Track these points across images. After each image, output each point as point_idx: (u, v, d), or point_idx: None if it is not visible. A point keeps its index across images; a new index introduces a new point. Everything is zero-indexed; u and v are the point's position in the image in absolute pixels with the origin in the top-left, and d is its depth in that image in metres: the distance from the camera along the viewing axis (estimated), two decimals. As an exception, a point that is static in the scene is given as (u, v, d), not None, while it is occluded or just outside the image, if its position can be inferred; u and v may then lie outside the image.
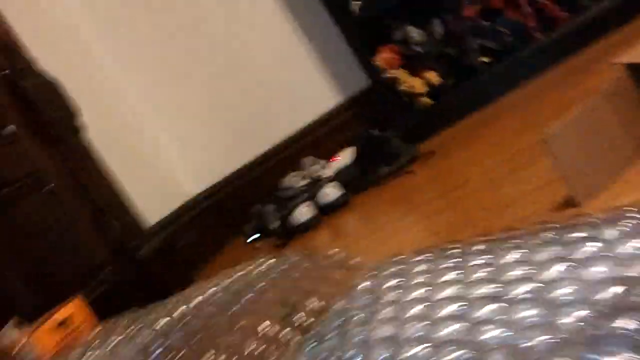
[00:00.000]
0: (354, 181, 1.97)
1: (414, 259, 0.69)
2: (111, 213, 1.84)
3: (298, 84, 2.32)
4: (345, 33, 2.10)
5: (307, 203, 1.91)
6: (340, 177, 2.00)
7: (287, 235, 1.89)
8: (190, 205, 2.29)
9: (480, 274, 0.65)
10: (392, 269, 0.69)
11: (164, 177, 2.32)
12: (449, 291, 0.64)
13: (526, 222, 1.09)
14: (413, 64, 2.11)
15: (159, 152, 2.34)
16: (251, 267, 0.84)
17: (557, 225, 0.66)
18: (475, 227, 1.20)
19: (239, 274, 0.83)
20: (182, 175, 2.35)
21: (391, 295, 0.65)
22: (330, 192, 1.92)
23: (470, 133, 1.90)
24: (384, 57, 2.11)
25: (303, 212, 1.88)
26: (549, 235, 0.67)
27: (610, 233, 0.64)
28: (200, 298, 0.78)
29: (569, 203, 1.02)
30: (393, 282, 0.68)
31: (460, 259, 0.67)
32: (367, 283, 0.68)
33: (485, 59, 2.03)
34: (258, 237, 2.04)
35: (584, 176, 1.02)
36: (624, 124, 1.06)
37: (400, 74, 2.10)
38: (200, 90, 2.35)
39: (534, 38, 1.98)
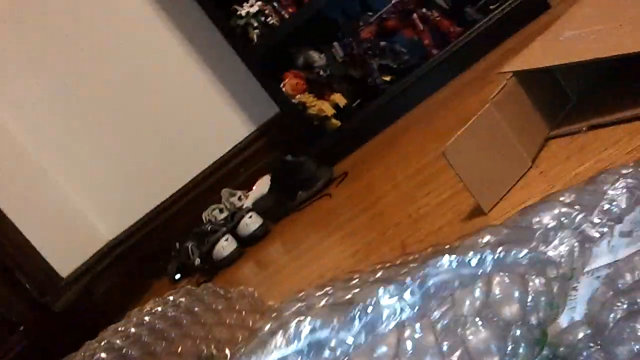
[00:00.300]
0: (272, 209, 1.97)
1: (316, 294, 0.69)
2: (22, 269, 1.77)
3: (207, 118, 2.31)
4: (248, 62, 2.11)
5: (228, 236, 1.89)
6: (258, 206, 1.99)
7: (211, 271, 1.87)
8: (107, 251, 2.22)
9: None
10: (295, 308, 0.68)
11: (76, 225, 2.24)
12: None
13: (437, 235, 1.12)
14: (318, 87, 2.14)
15: (68, 201, 2.26)
16: (161, 308, 0.81)
17: (448, 247, 0.68)
18: (389, 244, 1.23)
19: (148, 317, 0.80)
20: (95, 221, 2.28)
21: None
22: (250, 223, 1.91)
23: (380, 150, 1.95)
24: (289, 83, 2.13)
25: (224, 246, 1.86)
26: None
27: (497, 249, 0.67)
28: (104, 355, 0.75)
29: (477, 211, 1.06)
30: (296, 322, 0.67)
31: (361, 289, 0.68)
32: (271, 325, 0.67)
33: (386, 78, 2.08)
34: (182, 276, 2.00)
35: (486, 184, 1.06)
36: (518, 129, 1.11)
37: (307, 99, 2.13)
38: (106, 133, 2.29)
39: (431, 54, 2.05)
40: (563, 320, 0.51)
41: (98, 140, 2.29)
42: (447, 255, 0.70)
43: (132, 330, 0.77)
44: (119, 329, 0.79)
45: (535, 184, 1.03)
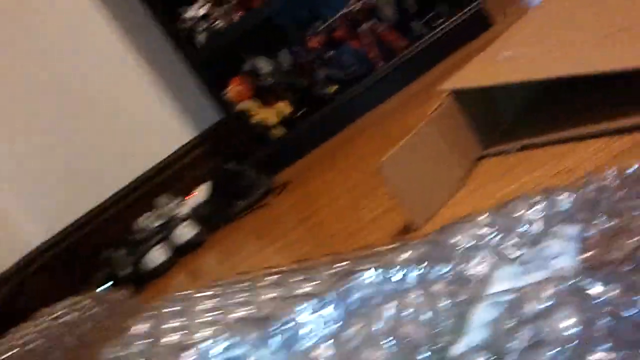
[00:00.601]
0: (211, 218, 1.93)
1: (199, 295, 0.66)
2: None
3: (147, 122, 2.24)
4: (193, 66, 2.07)
5: (161, 245, 1.84)
6: (196, 214, 1.95)
7: (140, 281, 1.81)
8: (34, 256, 2.12)
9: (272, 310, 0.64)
10: (175, 308, 0.65)
11: (1, 227, 2.14)
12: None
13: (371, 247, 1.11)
14: (264, 94, 2.12)
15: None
16: (74, 318, 0.77)
17: (345, 257, 0.67)
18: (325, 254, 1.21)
19: (57, 330, 0.75)
20: (23, 224, 2.18)
21: (172, 338, 0.62)
22: (186, 231, 1.87)
23: (323, 161, 1.93)
24: (234, 89, 2.10)
25: (156, 255, 1.81)
26: (341, 267, 0.68)
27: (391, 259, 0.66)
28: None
29: (410, 228, 1.05)
30: (175, 323, 0.64)
31: (251, 293, 0.66)
32: (144, 325, 0.63)
33: (332, 88, 2.07)
34: (112, 285, 1.94)
35: (420, 201, 1.05)
36: (454, 146, 1.10)
37: (251, 106, 2.10)
38: (37, 131, 2.20)
39: (377, 66, 2.05)
40: (461, 345, 0.50)
41: (29, 138, 2.20)
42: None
43: (40, 343, 0.72)
44: (20, 341, 0.74)
45: (467, 202, 1.03)
